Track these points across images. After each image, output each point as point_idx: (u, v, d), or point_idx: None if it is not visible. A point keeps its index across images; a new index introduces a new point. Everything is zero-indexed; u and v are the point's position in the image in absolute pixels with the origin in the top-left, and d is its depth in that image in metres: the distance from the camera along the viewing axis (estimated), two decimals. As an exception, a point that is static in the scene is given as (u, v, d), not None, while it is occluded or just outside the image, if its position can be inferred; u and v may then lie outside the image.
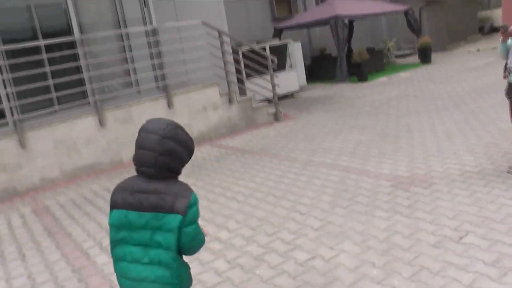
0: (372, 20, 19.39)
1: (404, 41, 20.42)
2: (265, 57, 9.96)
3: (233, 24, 14.97)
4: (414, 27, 16.84)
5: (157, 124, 2.04)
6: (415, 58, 17.53)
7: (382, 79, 14.27)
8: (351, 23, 16.54)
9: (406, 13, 16.63)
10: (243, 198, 5.44)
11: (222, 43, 9.28)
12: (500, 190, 4.60)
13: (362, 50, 14.81)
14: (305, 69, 15.27)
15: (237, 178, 6.25)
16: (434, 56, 17.18)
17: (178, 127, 2.07)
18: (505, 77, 5.05)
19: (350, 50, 16.22)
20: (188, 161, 2.11)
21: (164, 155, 2.00)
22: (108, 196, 6.21)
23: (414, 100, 10.13)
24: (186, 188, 2.06)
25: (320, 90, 13.77)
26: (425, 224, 4.07)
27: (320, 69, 16.10)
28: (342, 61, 14.52)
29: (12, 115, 7.08)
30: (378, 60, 16.41)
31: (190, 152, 2.12)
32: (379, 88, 12.62)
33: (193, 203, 2.03)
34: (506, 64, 4.95)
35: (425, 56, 16.82)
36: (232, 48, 10.30)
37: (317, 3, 18.11)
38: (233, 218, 4.85)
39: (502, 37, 4.85)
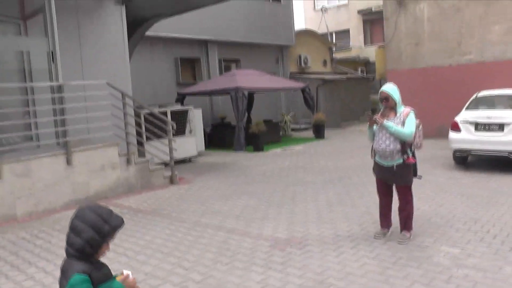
0: (272, 93, 20.71)
1: (301, 116, 21.86)
2: (164, 122, 10.40)
3: (138, 87, 15.38)
4: (310, 103, 18.25)
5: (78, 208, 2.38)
6: (310, 133, 18.83)
7: (277, 151, 15.19)
8: (251, 94, 17.58)
9: (303, 90, 18.02)
10: (132, 254, 5.70)
11: (124, 105, 9.66)
12: (365, 251, 5.33)
13: (259, 121, 15.75)
14: (205, 135, 15.89)
15: (129, 236, 6.48)
16: (327, 132, 18.50)
17: (88, 208, 2.34)
18: (372, 157, 5.89)
19: (249, 121, 17.15)
20: (100, 242, 2.33)
21: (71, 233, 2.29)
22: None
23: (303, 171, 10.98)
24: (74, 269, 2.23)
25: (218, 157, 14.36)
26: (294, 278, 4.64)
27: (219, 136, 16.80)
28: (240, 130, 15.33)
29: None
30: (275, 132, 17.47)
31: (99, 232, 2.30)
32: (273, 158, 13.46)
33: (71, 286, 2.16)
34: (372, 146, 5.81)
35: (319, 132, 18.16)
36: (134, 111, 10.66)
37: (220, 73, 19.12)
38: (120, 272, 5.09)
39: (369, 123, 5.71)
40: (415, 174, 5.74)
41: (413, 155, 5.64)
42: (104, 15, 10.59)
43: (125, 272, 2.51)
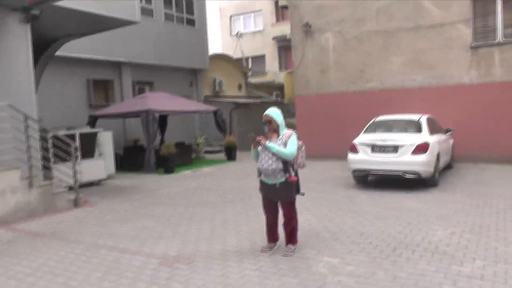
0: (187, 116, 20.91)
1: (215, 138, 22.16)
2: (69, 144, 10.32)
3: (48, 109, 15.15)
4: (221, 126, 18.60)
5: None
6: (223, 155, 19.21)
7: (187, 173, 15.39)
8: (164, 117, 17.70)
9: (215, 113, 18.36)
10: (22, 276, 5.72)
11: (27, 128, 9.52)
12: (249, 264, 5.72)
13: (170, 144, 15.89)
14: (117, 158, 15.77)
15: (22, 259, 6.45)
16: (240, 154, 18.84)
17: None
18: (258, 176, 6.26)
19: (163, 143, 17.22)
20: None
21: None
22: None
23: (208, 192, 11.28)
24: None
25: (128, 179, 14.36)
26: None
27: (131, 159, 16.75)
28: (151, 153, 15.40)
29: None
30: (187, 154, 17.66)
31: None
32: (181, 180, 13.65)
33: None
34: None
35: (230, 154, 18.54)
36: (40, 133, 10.47)
37: (134, 95, 19.16)
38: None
39: (253, 144, 6.08)
40: (298, 192, 6.16)
41: (296, 174, 6.08)
42: (7, 34, 10.35)
43: None
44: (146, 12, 19.23)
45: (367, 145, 11.02)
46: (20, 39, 10.53)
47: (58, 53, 14.18)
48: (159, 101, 16.41)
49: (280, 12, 31.55)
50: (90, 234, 7.70)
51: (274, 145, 5.89)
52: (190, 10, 22.59)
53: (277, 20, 32.62)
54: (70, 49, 15.07)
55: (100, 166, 13.66)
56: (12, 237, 7.77)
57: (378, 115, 12.92)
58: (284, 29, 30.05)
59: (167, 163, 15.36)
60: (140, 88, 20.05)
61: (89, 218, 8.98)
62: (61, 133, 11.68)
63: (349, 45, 16.99)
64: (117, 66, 18.87)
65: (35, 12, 10.48)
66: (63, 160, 10.76)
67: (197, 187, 12.18)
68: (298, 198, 6.26)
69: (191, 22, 22.59)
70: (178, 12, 21.91)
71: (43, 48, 13.09)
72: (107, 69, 18.50)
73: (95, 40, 15.61)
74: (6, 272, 5.90)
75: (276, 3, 30.28)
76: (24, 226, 8.58)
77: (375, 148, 10.89)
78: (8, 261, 6.42)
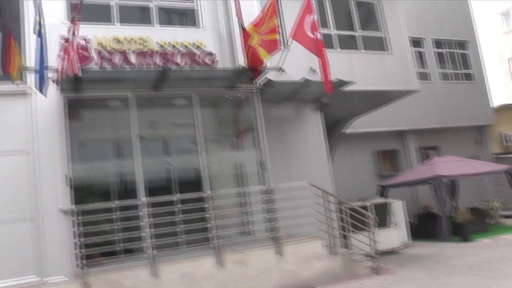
0: (476, 179, 19.83)
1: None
2: (364, 215, 11.00)
3: (339, 181, 16.25)
4: (517, 186, 16.92)
5: None
6: (524, 220, 17.48)
7: (485, 240, 14.46)
8: (454, 182, 17.15)
9: (508, 172, 16.94)
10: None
11: (325, 201, 10.59)
12: None
13: (464, 210, 15.27)
14: (410, 226, 15.78)
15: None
16: (545, 218, 16.87)
17: None
18: None
19: (455, 209, 16.59)
20: None
21: None
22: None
23: (511, 263, 10.43)
24: None
25: (422, 248, 14.26)
26: None
27: (424, 227, 16.57)
28: (444, 220, 15.01)
29: (150, 250, 8.93)
30: (482, 220, 16.62)
31: None
32: (480, 249, 12.93)
33: None
34: None
35: (532, 218, 16.73)
36: (336, 205, 11.44)
37: (419, 161, 19.31)
38: None
39: None
40: None
41: None
42: (303, 122, 12.19)
43: None
44: (422, 76, 19.50)
45: None
46: (314, 125, 12.36)
47: (345, 130, 15.43)
48: (447, 165, 16.12)
49: None
50: (393, 301, 8.01)
51: None
52: (466, 64, 22.00)
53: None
54: (355, 125, 16.18)
55: (394, 234, 13.98)
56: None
57: None
58: None
59: (462, 231, 14.75)
60: (425, 153, 20.03)
61: (390, 285, 9.30)
62: (356, 204, 12.48)
63: None
64: (401, 134, 19.41)
65: (326, 101, 11.96)
66: (359, 229, 11.44)
67: (499, 257, 11.36)
68: None
69: (469, 77, 21.92)
70: (454, 68, 21.57)
71: (332, 128, 14.49)
72: (391, 139, 19.19)
73: (377, 113, 16.41)
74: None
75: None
76: (330, 289, 9.37)
77: None
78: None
